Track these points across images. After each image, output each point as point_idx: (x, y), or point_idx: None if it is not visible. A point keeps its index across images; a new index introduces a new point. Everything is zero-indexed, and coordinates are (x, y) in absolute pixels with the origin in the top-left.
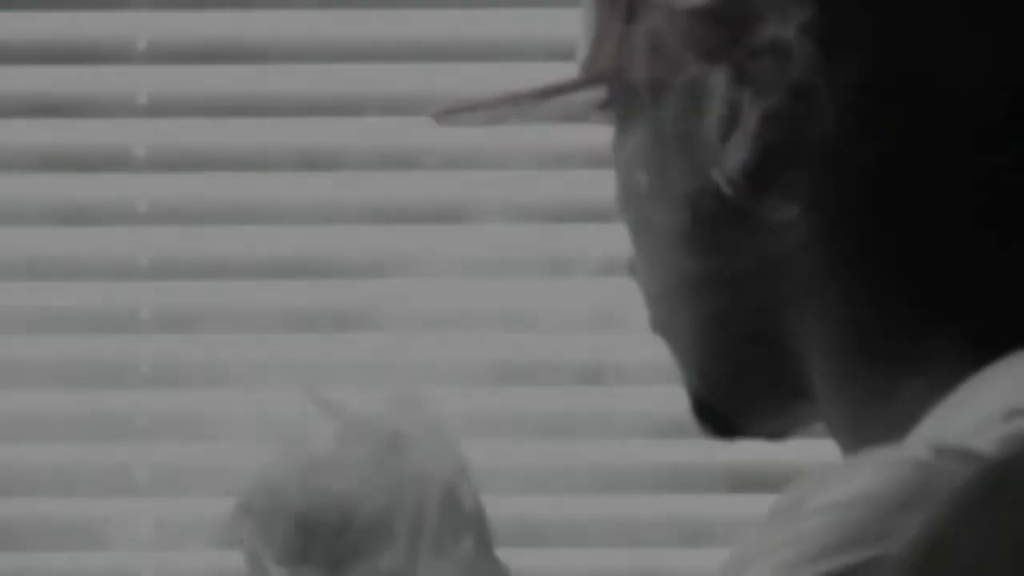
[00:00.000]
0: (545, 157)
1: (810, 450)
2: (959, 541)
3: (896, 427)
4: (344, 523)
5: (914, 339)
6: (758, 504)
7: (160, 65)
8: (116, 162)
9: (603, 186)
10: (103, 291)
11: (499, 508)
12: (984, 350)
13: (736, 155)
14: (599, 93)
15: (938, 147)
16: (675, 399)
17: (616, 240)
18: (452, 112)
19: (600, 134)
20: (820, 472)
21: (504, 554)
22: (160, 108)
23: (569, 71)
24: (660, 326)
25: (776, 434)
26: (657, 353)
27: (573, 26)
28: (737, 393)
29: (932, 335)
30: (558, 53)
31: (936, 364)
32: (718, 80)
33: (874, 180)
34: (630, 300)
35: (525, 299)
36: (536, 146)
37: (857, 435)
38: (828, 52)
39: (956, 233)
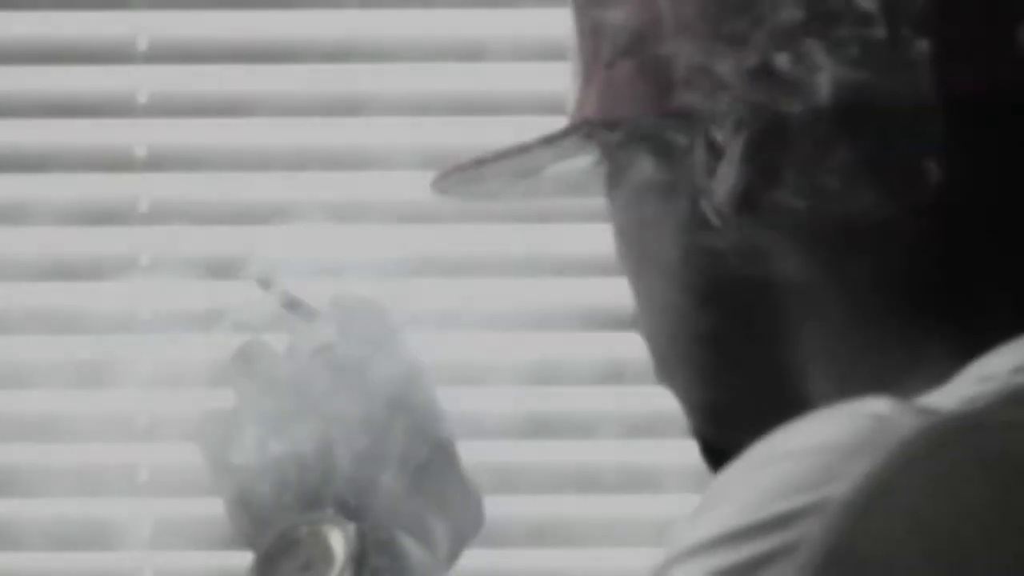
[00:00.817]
0: None
1: None
2: (900, 487)
3: None
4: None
5: (912, 348)
6: None
7: (161, 65)
8: (117, 161)
9: None
10: (104, 291)
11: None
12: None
13: (723, 185)
14: (591, 149)
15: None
16: None
17: None
18: (449, 180)
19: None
20: (785, 426)
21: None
22: (160, 108)
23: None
24: (665, 375)
25: None
26: None
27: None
28: (744, 428)
29: (929, 344)
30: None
31: (934, 372)
32: (701, 115)
33: (858, 201)
34: None
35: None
36: None
37: None
38: (803, 80)
39: (940, 247)
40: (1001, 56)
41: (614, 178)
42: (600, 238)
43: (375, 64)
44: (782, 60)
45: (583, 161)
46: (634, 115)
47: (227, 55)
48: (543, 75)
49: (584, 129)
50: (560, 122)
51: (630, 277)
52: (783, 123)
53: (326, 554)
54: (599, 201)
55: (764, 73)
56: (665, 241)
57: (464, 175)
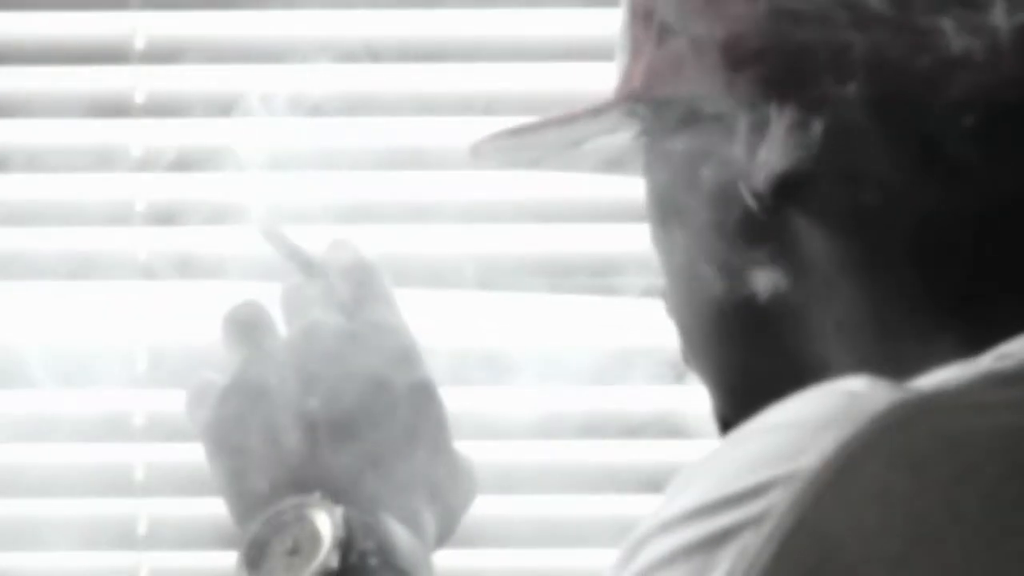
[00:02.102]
0: None
1: None
2: (867, 460)
3: None
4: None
5: (925, 340)
6: None
7: (158, 65)
8: (112, 162)
9: None
10: (99, 291)
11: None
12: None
13: (763, 168)
14: (633, 122)
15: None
16: None
17: None
18: (486, 147)
19: None
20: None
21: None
22: (157, 106)
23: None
24: (691, 354)
25: None
26: None
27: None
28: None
29: (943, 337)
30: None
31: (945, 361)
32: (746, 96)
33: (894, 192)
34: None
35: None
36: None
37: None
38: (851, 68)
39: (969, 244)
40: None
41: (653, 153)
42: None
43: (375, 64)
44: (828, 45)
45: (624, 136)
46: (680, 92)
47: (225, 55)
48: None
49: (629, 102)
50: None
51: (661, 254)
52: (827, 108)
53: (313, 538)
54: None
55: (810, 57)
56: (699, 218)
57: (504, 142)
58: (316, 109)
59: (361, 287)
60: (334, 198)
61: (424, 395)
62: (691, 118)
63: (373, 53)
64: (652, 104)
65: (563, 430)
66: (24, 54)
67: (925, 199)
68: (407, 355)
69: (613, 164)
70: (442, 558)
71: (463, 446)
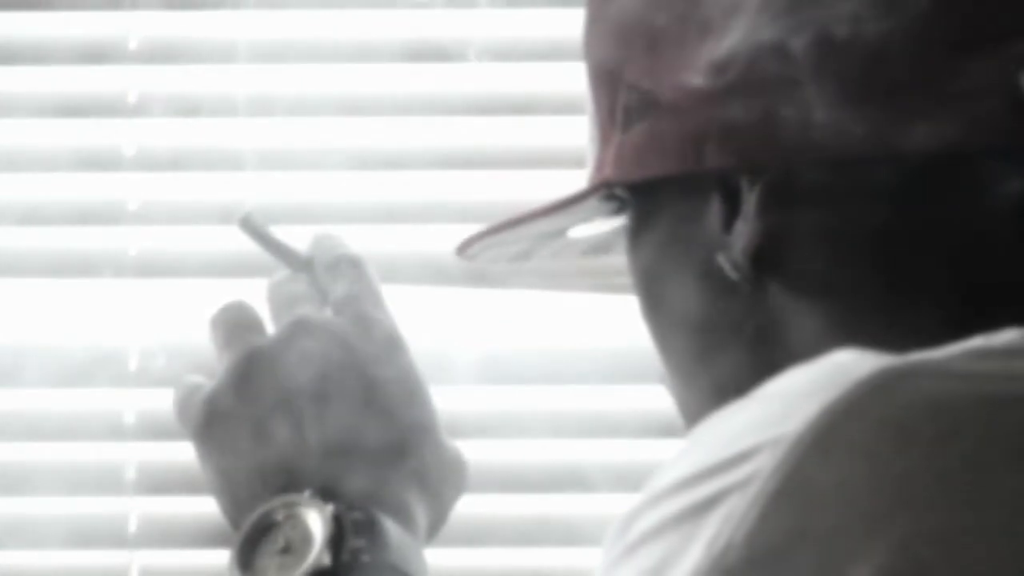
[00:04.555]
0: None
1: None
2: (851, 422)
3: None
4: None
5: None
6: None
7: (151, 65)
8: (105, 161)
9: None
10: (89, 291)
11: None
12: None
13: (740, 240)
14: (610, 207)
15: (929, 208)
16: None
17: None
18: (472, 248)
19: None
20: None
21: None
22: (149, 108)
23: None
24: (686, 419)
25: None
26: None
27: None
28: None
29: None
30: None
31: None
32: (715, 172)
33: (867, 249)
34: None
35: None
36: None
37: None
38: (813, 133)
39: (944, 293)
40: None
41: (634, 235)
42: None
43: (369, 64)
44: (788, 113)
45: (605, 224)
46: (650, 175)
47: (218, 56)
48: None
49: (603, 191)
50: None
51: (654, 334)
52: (796, 177)
53: (304, 536)
54: None
55: (771, 126)
56: (684, 294)
57: (487, 241)
58: (316, 109)
59: (346, 281)
60: (334, 198)
61: (411, 388)
62: (666, 198)
63: (373, 53)
64: (626, 189)
65: (564, 430)
66: (16, 55)
67: (899, 253)
68: (393, 349)
69: (601, 249)
70: (441, 558)
71: (461, 445)
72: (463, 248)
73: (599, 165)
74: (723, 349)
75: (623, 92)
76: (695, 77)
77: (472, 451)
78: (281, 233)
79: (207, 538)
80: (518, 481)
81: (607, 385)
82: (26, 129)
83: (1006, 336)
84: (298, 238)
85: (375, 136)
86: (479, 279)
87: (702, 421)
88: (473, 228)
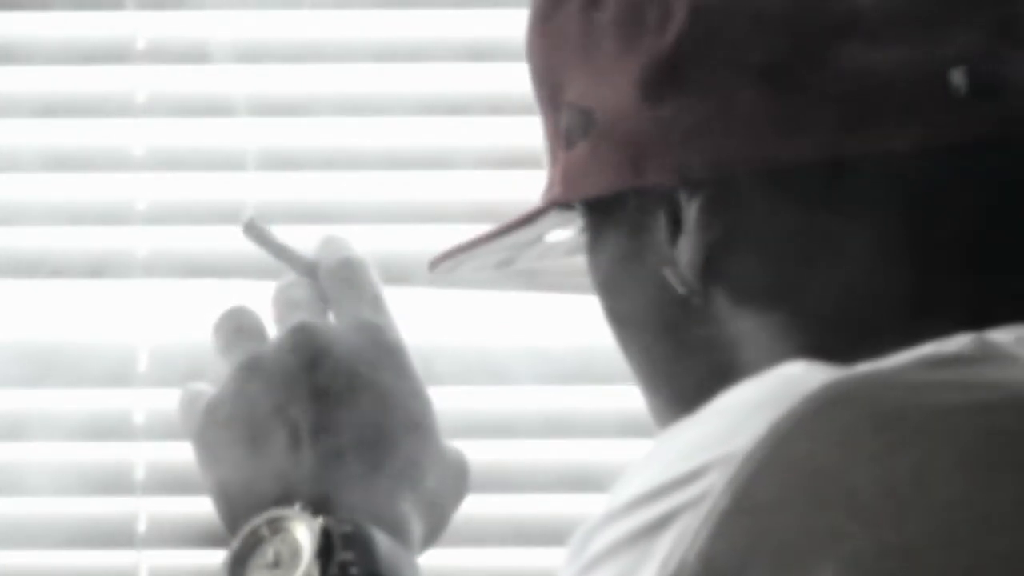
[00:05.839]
0: None
1: None
2: (799, 437)
3: None
4: None
5: None
6: None
7: (159, 64)
8: (113, 162)
9: None
10: (99, 291)
11: None
12: None
13: (684, 254)
14: (567, 220)
15: (864, 217)
16: None
17: None
18: (441, 268)
19: None
20: None
21: None
22: (158, 108)
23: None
24: (655, 418)
25: None
26: None
27: None
28: None
29: None
30: None
31: None
32: (655, 188)
33: (811, 256)
34: None
35: None
36: None
37: None
38: (745, 147)
39: (887, 300)
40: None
41: (590, 247)
42: None
43: (373, 64)
44: (722, 124)
45: (577, 228)
46: (595, 192)
47: (226, 55)
48: None
49: (552, 210)
50: None
51: (614, 330)
52: (734, 189)
53: (294, 550)
54: None
55: (705, 140)
56: (640, 307)
57: (459, 258)
58: (315, 109)
59: (347, 286)
60: (334, 198)
61: (409, 395)
62: (615, 213)
63: (373, 53)
64: (572, 208)
65: (564, 429)
66: (25, 55)
67: (842, 260)
68: (392, 355)
69: (583, 248)
70: (440, 558)
71: (461, 445)
72: (435, 265)
73: (550, 183)
74: (678, 359)
75: (564, 111)
76: (630, 86)
77: (471, 452)
78: (287, 235)
79: (216, 538)
80: (519, 481)
81: (606, 385)
82: (35, 129)
83: (956, 343)
84: (307, 239)
85: (376, 136)
86: (478, 280)
87: (668, 425)
88: (474, 228)
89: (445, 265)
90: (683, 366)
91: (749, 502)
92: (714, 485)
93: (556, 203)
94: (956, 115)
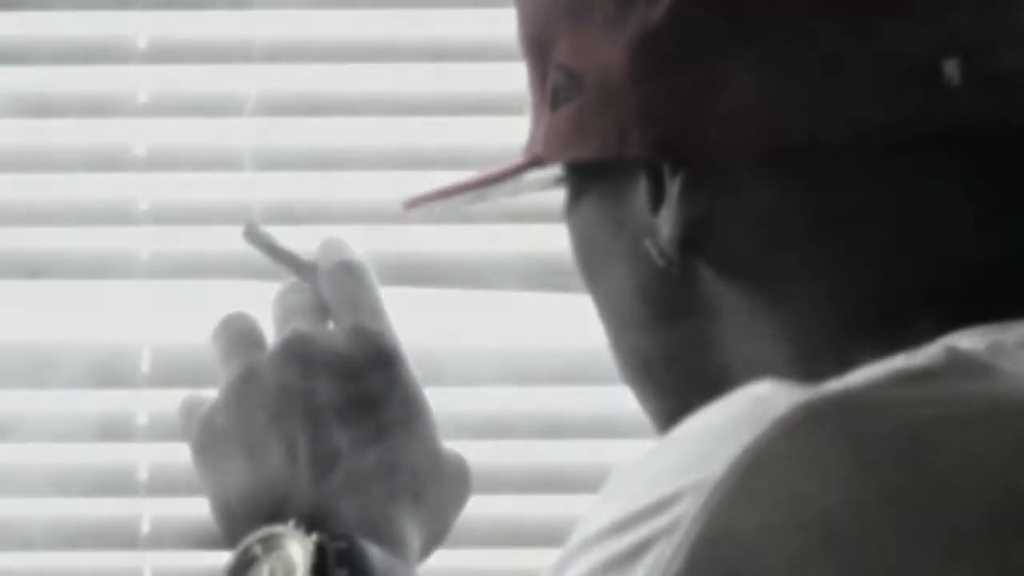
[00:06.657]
0: None
1: None
2: (771, 462)
3: None
4: None
5: (844, 363)
6: None
7: (160, 64)
8: (115, 162)
9: None
10: (102, 291)
11: None
12: None
13: (665, 226)
14: (550, 174)
15: (855, 196)
16: None
17: None
18: (417, 204)
19: None
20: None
21: None
22: (160, 107)
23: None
24: (626, 382)
25: None
26: None
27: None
28: None
29: (861, 359)
30: None
31: None
32: (640, 156)
33: (791, 235)
34: None
35: None
36: None
37: None
38: (737, 122)
39: (874, 274)
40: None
41: (568, 208)
42: None
43: (374, 64)
44: (711, 99)
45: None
46: (579, 156)
47: (229, 55)
48: None
49: (534, 166)
50: None
51: (589, 291)
52: (719, 165)
53: (288, 568)
54: None
55: (693, 114)
56: (617, 274)
57: (435, 204)
58: (316, 109)
59: (346, 290)
60: (333, 198)
61: (406, 402)
62: (596, 177)
63: (375, 53)
64: (554, 167)
65: (564, 430)
66: (26, 54)
67: (825, 241)
68: (389, 362)
69: (552, 187)
70: (440, 558)
71: (460, 446)
72: (410, 206)
73: (532, 139)
74: (654, 329)
75: (552, 70)
76: (619, 55)
77: (471, 452)
78: (289, 235)
79: (220, 540)
80: (519, 481)
81: (607, 385)
82: (37, 129)
83: (927, 354)
84: (308, 239)
85: (377, 136)
86: (477, 280)
87: (639, 392)
88: (474, 228)
89: (418, 210)
90: (658, 336)
91: (723, 530)
92: (687, 512)
93: (537, 162)
94: (947, 104)
